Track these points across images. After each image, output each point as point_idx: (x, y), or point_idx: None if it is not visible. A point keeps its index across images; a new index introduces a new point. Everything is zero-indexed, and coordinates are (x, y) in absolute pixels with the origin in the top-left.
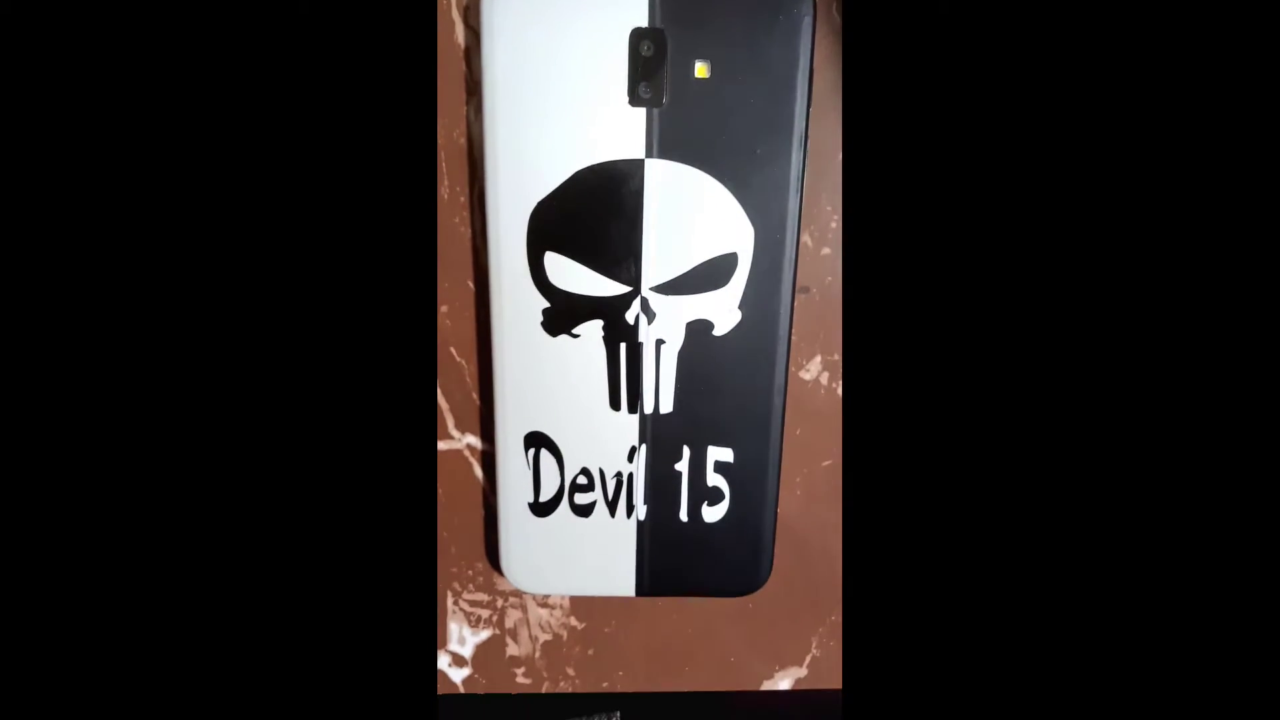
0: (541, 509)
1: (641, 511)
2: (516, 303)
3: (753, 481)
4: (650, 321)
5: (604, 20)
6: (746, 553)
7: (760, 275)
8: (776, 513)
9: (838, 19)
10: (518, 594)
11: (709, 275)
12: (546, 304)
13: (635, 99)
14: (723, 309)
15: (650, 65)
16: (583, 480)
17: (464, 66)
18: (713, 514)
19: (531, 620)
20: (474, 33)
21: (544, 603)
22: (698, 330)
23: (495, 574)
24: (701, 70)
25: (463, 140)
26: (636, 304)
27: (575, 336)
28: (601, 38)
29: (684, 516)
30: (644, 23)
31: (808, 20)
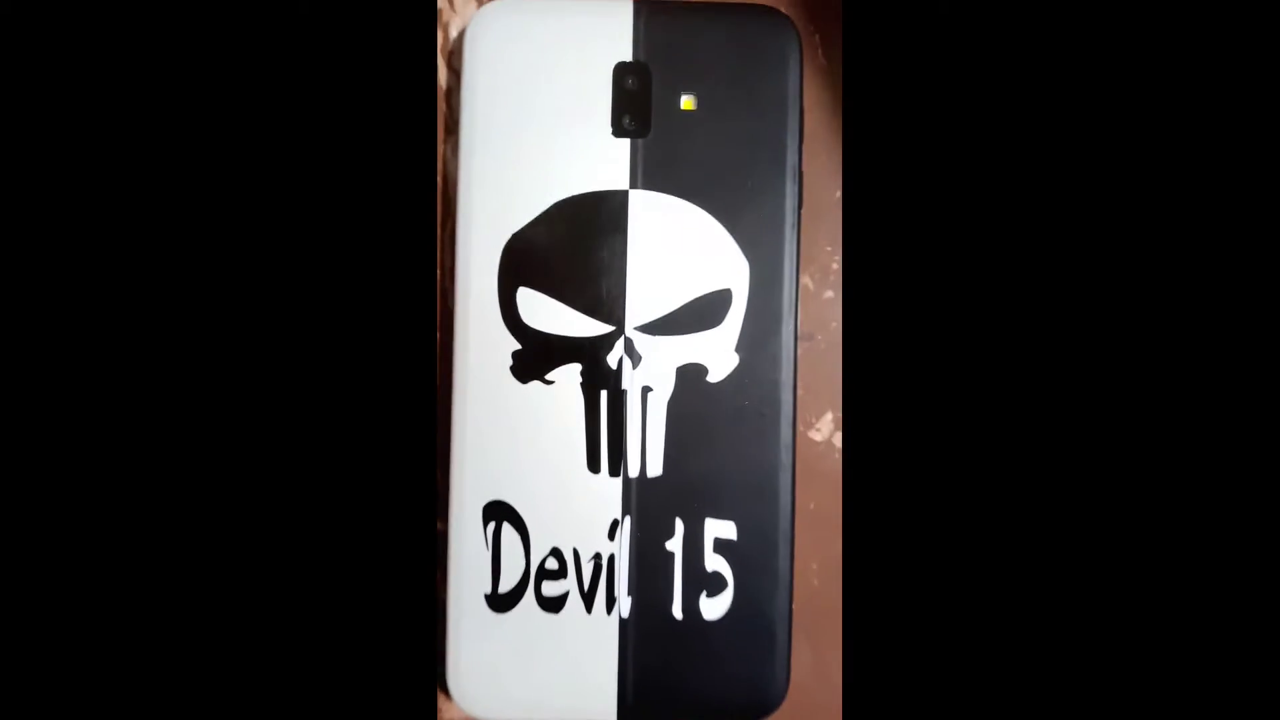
0: (500, 602)
1: (625, 606)
2: (484, 345)
3: (761, 565)
4: (635, 365)
5: (587, 56)
6: (757, 661)
7: (758, 314)
8: (792, 607)
9: (824, 61)
10: None
11: (701, 313)
12: (518, 345)
13: (619, 130)
14: (717, 351)
15: (634, 98)
16: (553, 564)
17: (444, 107)
18: (713, 608)
19: None
20: (455, 74)
21: None
22: (690, 376)
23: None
24: (688, 104)
25: (438, 181)
26: (620, 345)
27: (549, 383)
28: (585, 73)
29: (678, 613)
30: (628, 57)
31: (794, 53)
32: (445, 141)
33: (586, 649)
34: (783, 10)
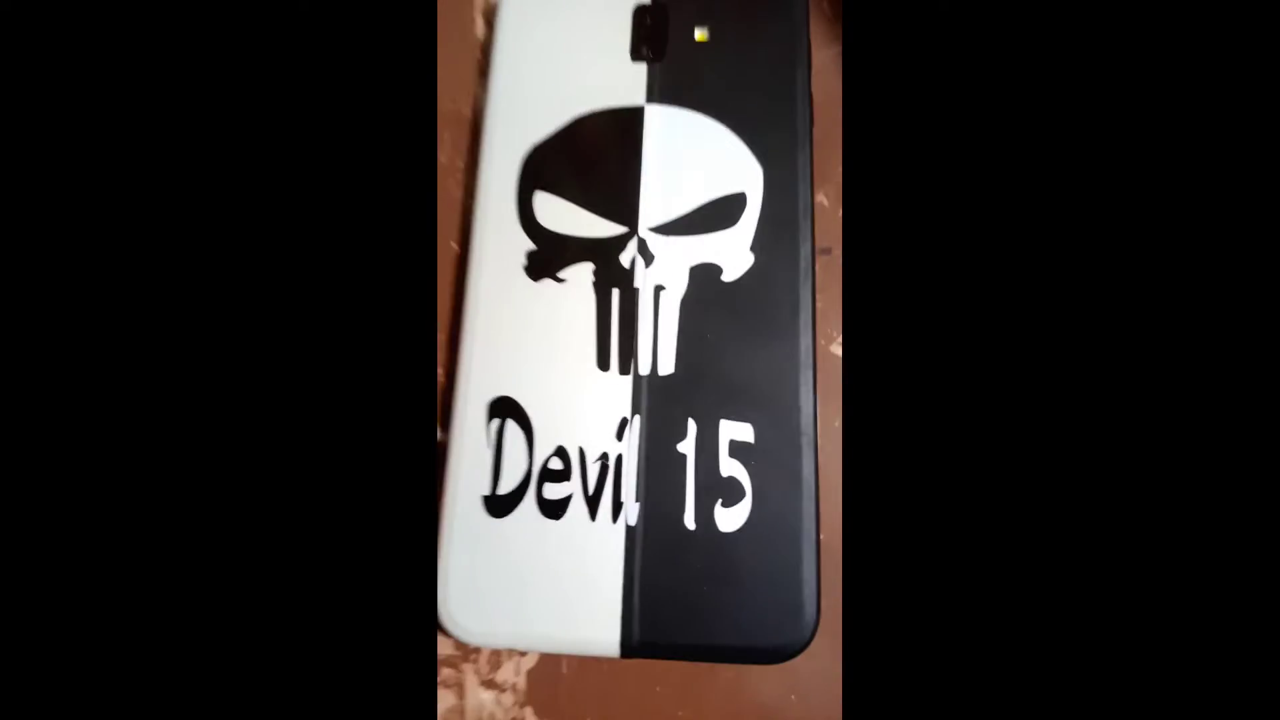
0: (499, 505)
1: (632, 513)
2: (499, 245)
3: (783, 473)
4: (648, 264)
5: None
6: (780, 587)
7: (773, 218)
8: (819, 525)
9: (827, 10)
10: (456, 656)
11: (715, 215)
12: (532, 246)
13: (637, 56)
14: (732, 250)
15: (651, 32)
16: (556, 464)
17: (479, 55)
18: (730, 519)
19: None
20: (490, 28)
21: (490, 682)
22: (704, 275)
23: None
24: (701, 35)
25: (467, 111)
26: (633, 245)
27: (560, 281)
28: (608, 12)
29: (690, 522)
30: (646, 1)
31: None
32: (479, 84)
33: (589, 561)
34: None
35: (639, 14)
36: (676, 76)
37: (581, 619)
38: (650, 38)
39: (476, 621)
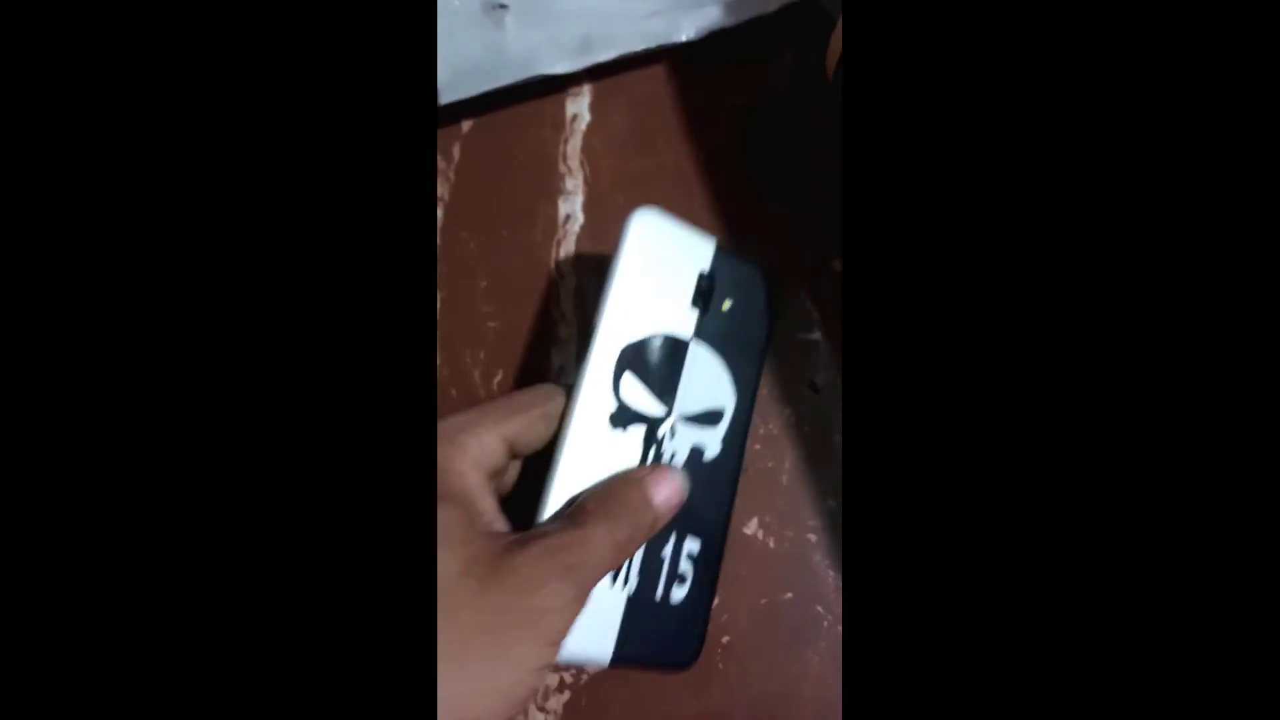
0: None
1: (634, 585)
2: (596, 400)
3: (708, 567)
4: (673, 438)
5: (686, 259)
6: (694, 632)
7: (733, 424)
8: (712, 603)
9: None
10: None
11: (709, 418)
12: (615, 407)
13: (693, 305)
14: (712, 441)
15: (704, 293)
16: None
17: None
18: (677, 594)
19: None
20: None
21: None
22: (695, 452)
23: None
24: (726, 305)
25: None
26: (667, 423)
27: (625, 431)
28: (683, 268)
29: (659, 594)
30: (706, 270)
31: (767, 290)
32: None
33: (606, 609)
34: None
35: (700, 278)
36: (711, 327)
37: (590, 638)
38: (703, 295)
39: None
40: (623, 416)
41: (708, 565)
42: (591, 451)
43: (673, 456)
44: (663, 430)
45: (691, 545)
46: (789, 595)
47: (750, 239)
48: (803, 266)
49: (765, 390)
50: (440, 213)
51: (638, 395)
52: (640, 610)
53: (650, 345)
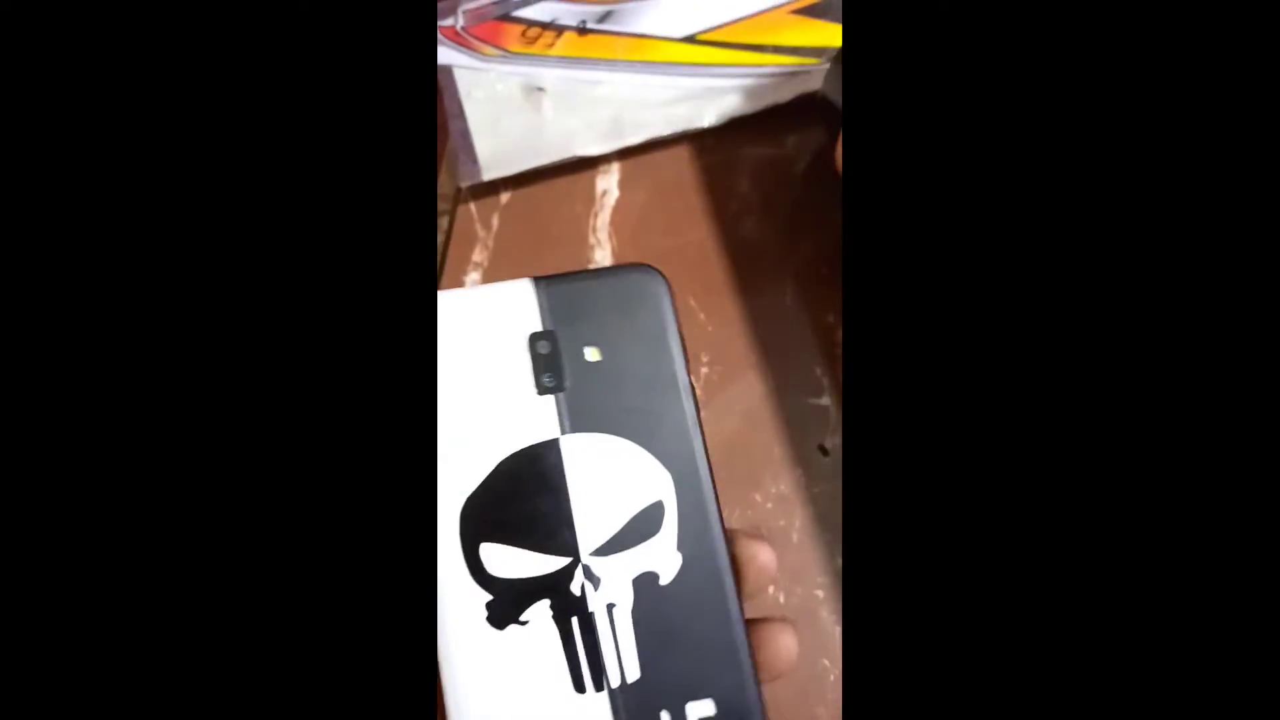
0: None
1: None
2: (459, 602)
3: None
4: (596, 588)
5: (504, 328)
6: None
7: (687, 514)
8: None
9: (691, 301)
10: None
11: (642, 527)
12: (489, 597)
13: (542, 388)
14: (662, 555)
15: (549, 359)
16: None
17: None
18: None
19: None
20: None
21: None
22: (645, 583)
23: None
24: (593, 354)
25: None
26: (579, 572)
27: (524, 624)
28: (504, 343)
29: None
30: (538, 327)
31: (664, 295)
32: None
33: None
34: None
35: (532, 340)
36: (580, 401)
37: None
38: (549, 366)
39: None
40: (505, 606)
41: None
42: (486, 673)
43: (610, 609)
44: (575, 585)
45: (699, 710)
46: (819, 593)
47: (767, 309)
48: (811, 334)
49: (776, 452)
50: (478, 277)
51: (512, 563)
52: None
53: (500, 483)
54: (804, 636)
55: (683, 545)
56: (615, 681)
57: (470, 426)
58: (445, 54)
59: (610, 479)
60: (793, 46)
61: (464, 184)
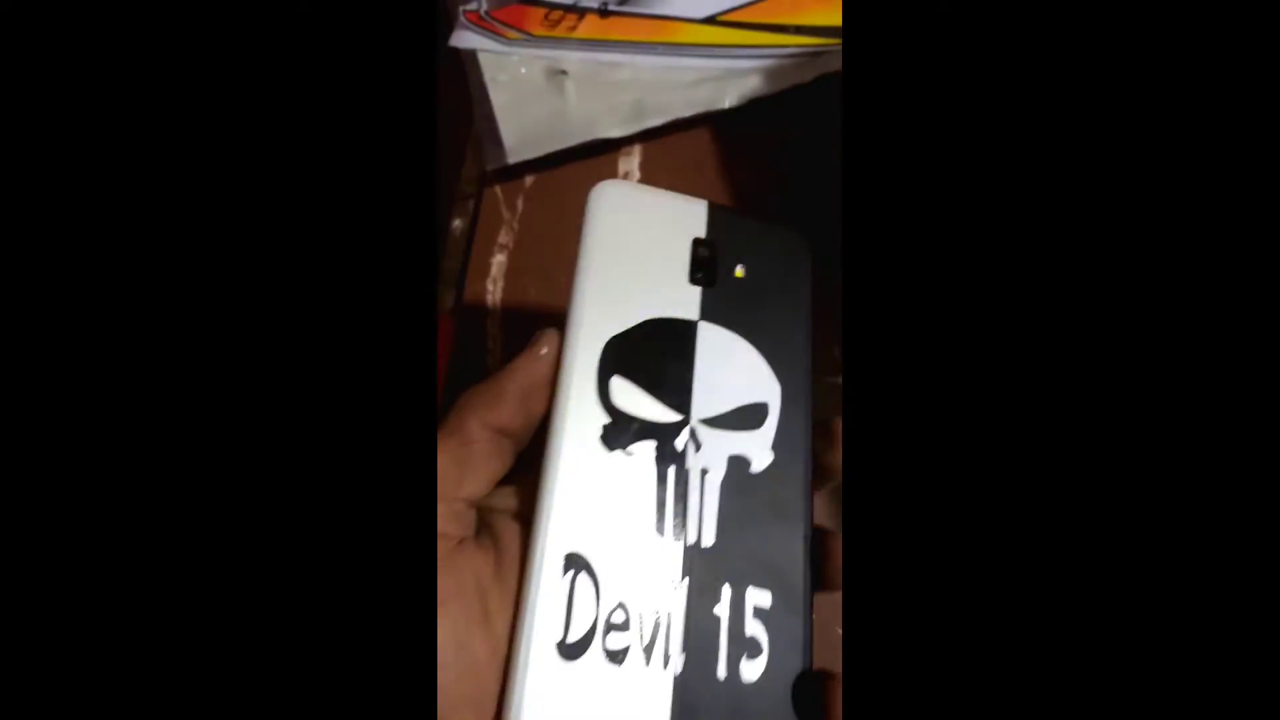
0: (570, 650)
1: (678, 663)
2: (580, 418)
3: (790, 633)
4: (697, 450)
5: (677, 230)
6: None
7: (786, 423)
8: (812, 672)
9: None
10: None
11: (746, 417)
12: (608, 420)
13: (693, 279)
14: (758, 447)
15: (705, 260)
16: (619, 617)
17: None
18: (751, 670)
19: None
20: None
21: None
22: (737, 465)
23: None
24: (739, 272)
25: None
26: (686, 432)
27: (629, 454)
28: (674, 240)
29: (721, 673)
30: (702, 234)
31: (806, 256)
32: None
33: (645, 701)
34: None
35: (695, 244)
36: (723, 301)
37: None
38: (704, 265)
39: None
40: (620, 432)
41: (789, 622)
42: (586, 485)
43: (704, 474)
44: (680, 441)
45: (757, 598)
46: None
47: None
48: (830, 314)
49: None
50: (504, 258)
51: (635, 401)
52: (699, 696)
53: (643, 335)
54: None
55: (777, 447)
56: (692, 539)
57: (627, 285)
58: (469, 38)
59: (730, 369)
60: (813, 26)
61: (489, 167)
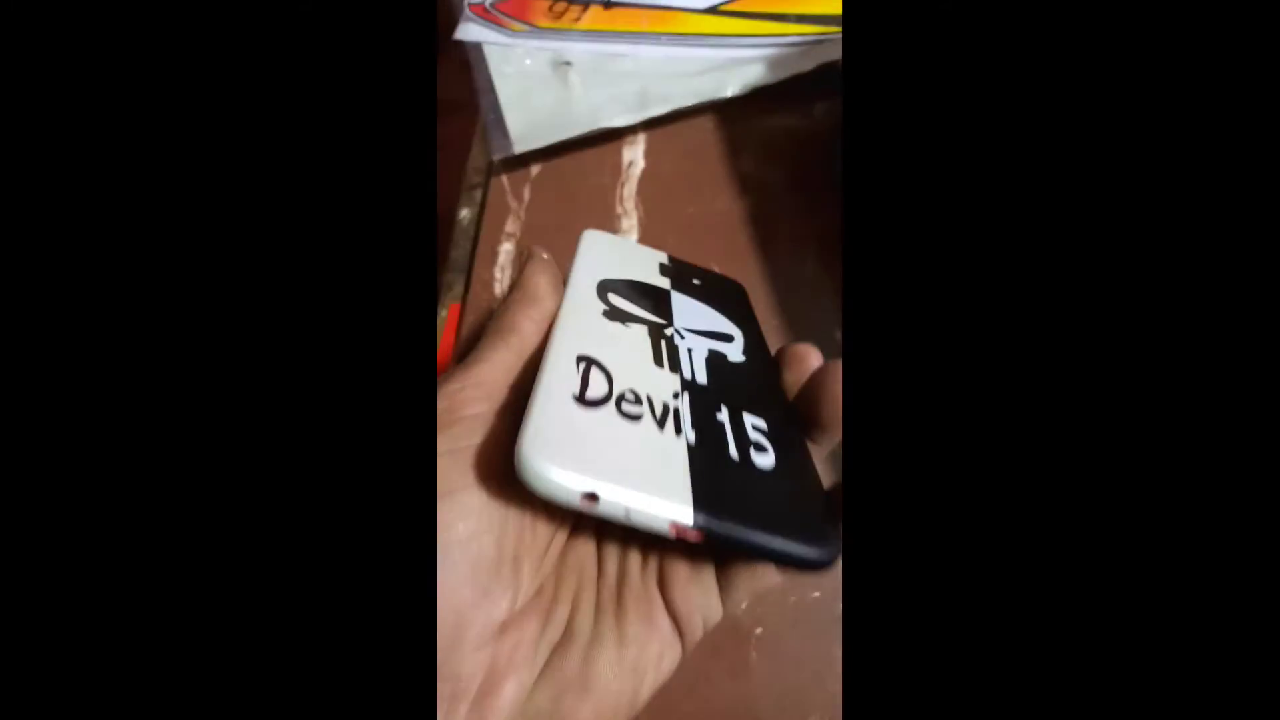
0: (588, 403)
1: (691, 436)
2: (584, 306)
3: (792, 449)
4: (682, 339)
5: (643, 254)
6: (811, 512)
7: (752, 347)
8: (822, 486)
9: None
10: None
11: (719, 337)
12: (607, 307)
13: (662, 273)
14: (732, 351)
15: (669, 271)
16: (630, 396)
17: None
18: (762, 460)
19: None
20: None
21: None
22: (717, 353)
23: None
24: (696, 282)
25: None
26: (671, 329)
27: (627, 325)
28: (642, 257)
29: (734, 455)
30: (666, 262)
31: (745, 295)
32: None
33: (662, 453)
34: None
35: (661, 265)
36: (687, 289)
37: (661, 482)
38: (669, 274)
39: (557, 472)
40: (619, 314)
41: (787, 440)
42: (592, 328)
43: (690, 353)
44: (668, 331)
45: (754, 420)
46: (816, 594)
47: (789, 276)
48: (832, 300)
49: None
50: (511, 247)
51: (627, 305)
52: (715, 467)
53: (628, 284)
54: (824, 583)
55: (746, 352)
56: (686, 375)
57: (613, 268)
58: (476, 30)
59: (698, 315)
60: (814, 15)
61: (496, 157)
